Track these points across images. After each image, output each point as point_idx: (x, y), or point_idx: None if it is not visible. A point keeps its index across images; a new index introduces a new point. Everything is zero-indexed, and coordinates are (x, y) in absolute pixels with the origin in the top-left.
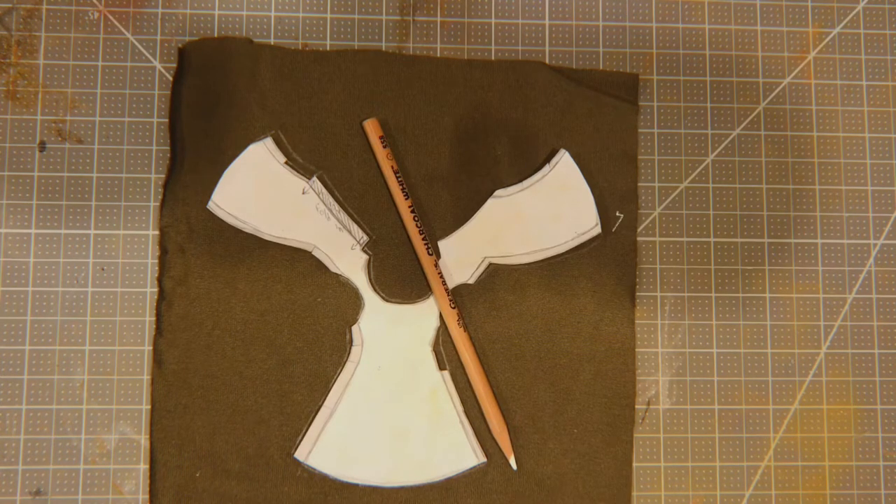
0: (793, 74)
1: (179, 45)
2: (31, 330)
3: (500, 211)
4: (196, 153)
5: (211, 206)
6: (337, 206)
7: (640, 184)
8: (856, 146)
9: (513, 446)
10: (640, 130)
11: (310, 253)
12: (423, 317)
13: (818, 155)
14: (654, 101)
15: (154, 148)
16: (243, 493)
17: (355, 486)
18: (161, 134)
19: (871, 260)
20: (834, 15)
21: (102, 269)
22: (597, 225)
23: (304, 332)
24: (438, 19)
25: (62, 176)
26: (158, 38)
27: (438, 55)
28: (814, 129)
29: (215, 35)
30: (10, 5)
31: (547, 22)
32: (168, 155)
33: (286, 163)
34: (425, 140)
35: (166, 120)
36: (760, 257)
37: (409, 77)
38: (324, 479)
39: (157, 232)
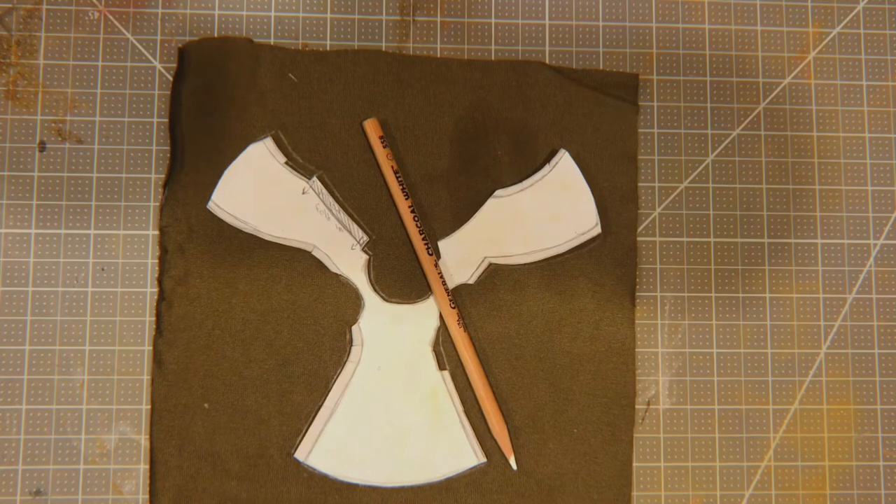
0: (793, 74)
1: (179, 45)
2: (31, 330)
3: (500, 211)
4: (196, 153)
5: (211, 206)
6: (337, 206)
7: (640, 184)
8: (856, 146)
9: (513, 446)
10: (640, 130)
11: (310, 253)
12: (423, 317)
13: (818, 155)
14: (654, 101)
15: (154, 148)
16: (243, 493)
17: (355, 486)
18: (161, 134)
19: (871, 260)
20: (834, 15)
21: (102, 269)
22: (597, 225)
23: (304, 332)
24: (438, 19)
25: (62, 176)
26: (158, 38)
27: (438, 55)
28: (814, 129)
29: (215, 35)
30: (10, 5)
31: (547, 22)
32: (168, 155)
33: (286, 163)
34: (425, 140)
35: (166, 120)
36: (760, 257)
37: (408, 77)
38: (324, 479)
39: (157, 232)
